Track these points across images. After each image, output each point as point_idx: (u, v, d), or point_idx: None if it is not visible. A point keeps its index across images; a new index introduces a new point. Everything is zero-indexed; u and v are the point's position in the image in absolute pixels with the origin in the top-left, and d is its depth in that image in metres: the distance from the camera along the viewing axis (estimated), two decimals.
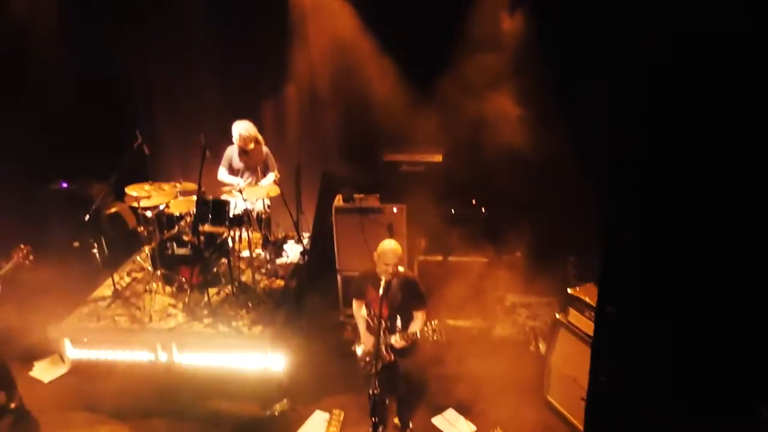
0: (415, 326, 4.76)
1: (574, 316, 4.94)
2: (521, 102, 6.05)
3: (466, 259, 6.38)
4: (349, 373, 5.64)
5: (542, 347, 6.00)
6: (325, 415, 5.36)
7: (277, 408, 5.49)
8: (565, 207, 5.85)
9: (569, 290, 5.00)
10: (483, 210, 6.44)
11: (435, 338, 4.54)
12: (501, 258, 6.45)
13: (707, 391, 2.43)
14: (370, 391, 4.31)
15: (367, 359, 4.82)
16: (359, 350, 5.01)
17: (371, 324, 4.86)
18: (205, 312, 6.01)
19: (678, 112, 2.09)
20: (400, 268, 4.83)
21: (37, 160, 7.27)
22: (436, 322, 4.57)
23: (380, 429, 4.63)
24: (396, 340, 4.68)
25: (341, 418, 5.30)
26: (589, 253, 5.94)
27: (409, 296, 4.82)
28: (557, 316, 5.16)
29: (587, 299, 4.78)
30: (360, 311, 5.05)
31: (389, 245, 4.74)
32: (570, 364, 5.00)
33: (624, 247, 2.31)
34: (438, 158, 6.31)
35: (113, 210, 6.64)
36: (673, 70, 1.99)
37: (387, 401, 5.18)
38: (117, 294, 6.38)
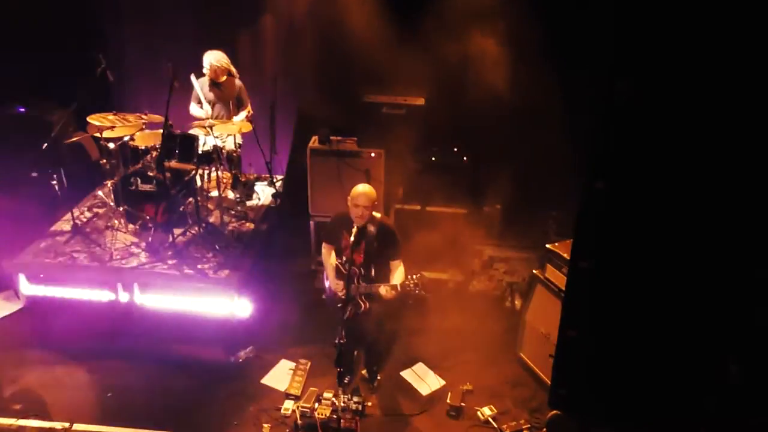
0: (398, 277, 4.79)
1: (552, 272, 5.00)
2: (509, 45, 5.94)
3: (444, 209, 6.39)
4: (319, 323, 5.71)
5: (518, 303, 6.08)
6: (291, 365, 5.42)
7: (242, 355, 5.54)
8: (550, 159, 5.83)
9: (548, 245, 5.03)
10: (464, 158, 6.41)
11: (417, 292, 4.58)
12: (480, 210, 6.47)
13: (677, 349, 2.48)
14: (336, 340, 4.35)
15: (339, 305, 4.85)
16: (326, 284, 5.06)
17: (342, 270, 4.88)
18: (170, 252, 5.97)
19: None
20: (377, 215, 4.82)
21: None
22: (418, 275, 4.60)
23: (346, 380, 4.71)
24: (386, 291, 4.69)
25: (307, 368, 5.36)
26: (572, 208, 5.96)
27: (385, 244, 4.84)
28: (534, 271, 5.23)
29: (566, 255, 4.81)
30: (329, 256, 5.06)
31: (362, 187, 4.76)
32: (544, 320, 5.09)
33: (599, 199, 2.31)
34: (420, 101, 6.25)
35: (74, 139, 6.48)
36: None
37: (355, 352, 5.25)
38: (76, 229, 6.30)
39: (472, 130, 6.30)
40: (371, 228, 4.79)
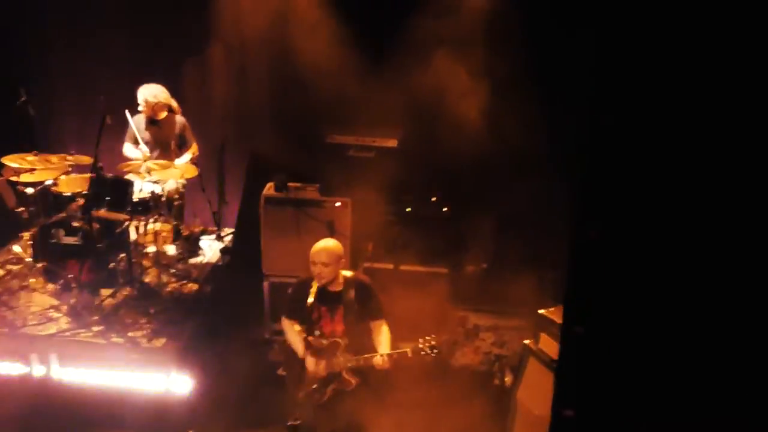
0: (385, 342, 4.77)
1: (546, 343, 4.93)
2: (491, 77, 6.06)
3: (421, 268, 6.36)
4: (272, 403, 5.57)
5: (508, 380, 6.00)
6: None
7: None
8: (543, 209, 5.87)
9: (541, 311, 4.99)
10: (444, 209, 6.43)
11: (433, 355, 4.60)
12: (463, 269, 6.45)
13: (691, 422, 2.44)
14: (290, 422, 4.24)
15: (314, 386, 4.74)
16: (308, 369, 4.94)
17: (316, 345, 4.78)
18: (96, 318, 5.88)
19: None
20: (347, 273, 4.80)
21: None
22: (431, 336, 4.60)
23: None
24: (383, 360, 4.63)
25: None
26: None
27: (365, 304, 4.84)
28: (526, 342, 5.16)
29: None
30: (292, 329, 5.00)
31: (324, 243, 4.79)
32: (539, 400, 4.97)
33: (592, 250, 2.29)
34: (392, 143, 6.32)
35: None
36: None
37: None
38: None
39: (453, 176, 6.34)
40: (348, 290, 4.78)
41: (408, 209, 6.41)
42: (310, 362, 4.87)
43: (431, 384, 5.91)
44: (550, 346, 4.88)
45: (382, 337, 4.81)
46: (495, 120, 5.97)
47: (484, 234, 6.24)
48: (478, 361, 6.35)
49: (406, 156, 6.25)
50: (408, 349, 4.66)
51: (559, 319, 4.81)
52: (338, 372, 4.78)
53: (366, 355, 4.73)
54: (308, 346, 4.90)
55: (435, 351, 4.63)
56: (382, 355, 4.67)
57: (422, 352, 4.63)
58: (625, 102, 2.18)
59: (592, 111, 2.18)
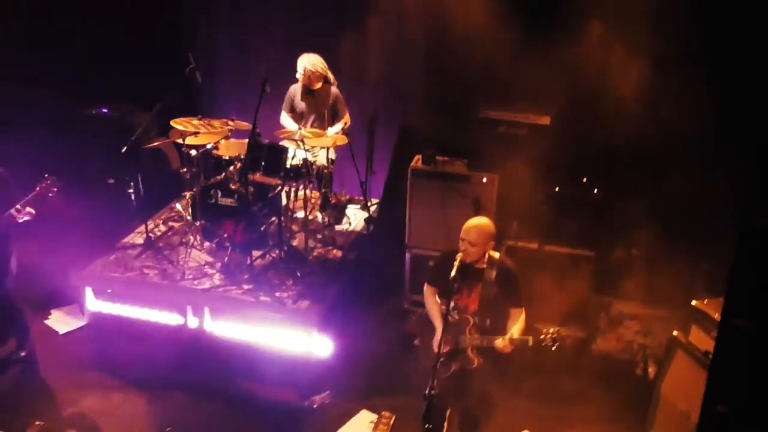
0: (516, 328, 4.72)
1: (697, 336, 4.75)
2: (658, 62, 5.74)
3: (566, 250, 6.24)
4: (408, 372, 5.63)
5: (651, 371, 5.79)
6: (372, 417, 5.40)
7: (317, 400, 5.57)
8: (702, 200, 5.56)
9: (694, 302, 4.79)
10: (595, 191, 6.23)
11: (554, 349, 4.53)
12: (611, 254, 6.24)
13: None
14: (427, 391, 4.27)
15: (441, 359, 4.78)
16: (434, 344, 4.96)
17: (451, 318, 4.80)
18: (246, 276, 6.13)
19: None
20: (495, 254, 4.78)
21: (76, 80, 7.59)
22: (555, 329, 4.55)
23: None
24: (505, 344, 4.62)
25: (391, 423, 5.32)
26: (728, 260, 5.64)
27: (506, 289, 4.78)
28: (675, 333, 4.99)
29: (716, 316, 4.55)
30: (433, 298, 5.02)
31: (476, 220, 4.73)
32: (685, 394, 4.82)
33: (763, 239, 2.15)
34: (545, 120, 6.16)
35: (155, 144, 6.83)
36: None
37: (448, 410, 5.15)
38: (149, 243, 6.62)
39: (606, 159, 6.12)
40: (490, 270, 4.73)
41: (557, 189, 6.26)
42: (438, 333, 4.87)
43: (570, 369, 5.80)
44: (701, 339, 4.70)
45: (515, 324, 4.75)
46: (655, 102, 5.68)
47: (636, 220, 5.98)
48: (620, 349, 6.17)
49: (559, 135, 6.07)
50: (530, 338, 4.58)
51: (713, 312, 4.61)
52: (464, 349, 4.78)
53: (489, 336, 4.70)
54: (442, 317, 4.92)
55: (556, 344, 4.52)
56: (503, 339, 4.62)
57: (543, 343, 4.54)
58: None
59: None
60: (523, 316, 4.79)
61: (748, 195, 2.36)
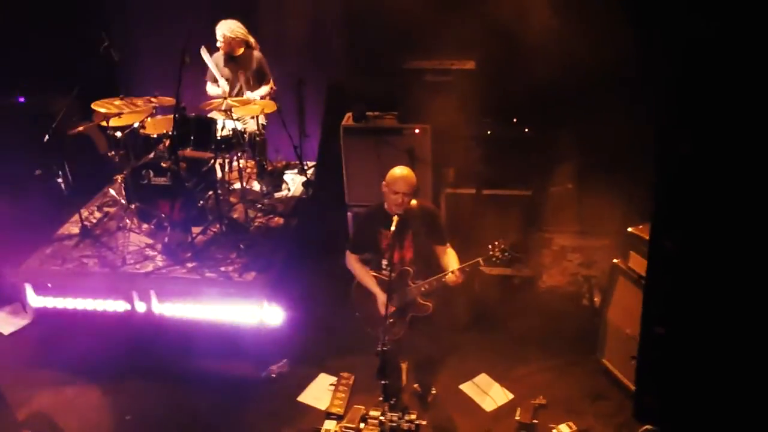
0: (455, 260, 4.79)
1: (636, 261, 4.87)
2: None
3: (504, 192, 6.27)
4: (361, 331, 5.68)
5: (597, 300, 5.94)
6: (332, 379, 5.43)
7: (274, 369, 5.57)
8: (628, 127, 5.65)
9: (630, 229, 4.90)
10: (526, 130, 6.28)
11: (509, 257, 4.59)
12: (548, 191, 6.32)
13: None
14: (378, 347, 4.30)
15: (391, 320, 4.80)
16: (380, 307, 4.97)
17: (385, 276, 4.82)
18: (188, 254, 6.07)
19: None
20: (413, 201, 4.80)
21: None
22: (499, 239, 4.60)
23: (392, 398, 4.65)
24: (455, 276, 4.65)
25: (350, 383, 5.36)
26: None
27: (431, 231, 4.86)
28: (615, 261, 5.11)
29: None
30: (358, 265, 5.06)
31: (401, 171, 4.76)
32: (629, 319, 4.94)
33: (682, 161, 2.19)
34: (470, 65, 6.13)
35: (78, 130, 6.61)
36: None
37: (402, 362, 5.23)
38: (86, 232, 6.47)
39: (534, 97, 6.14)
40: (413, 216, 4.78)
41: (489, 132, 6.28)
42: (381, 297, 4.89)
43: (519, 308, 5.91)
44: (639, 264, 4.82)
45: (450, 258, 4.83)
46: (575, 38, 5.70)
47: (568, 155, 6.07)
48: (565, 282, 6.30)
49: (485, 78, 6.07)
50: (480, 259, 4.64)
51: (648, 237, 4.70)
52: (412, 299, 4.83)
53: (437, 276, 4.75)
54: (378, 282, 4.96)
55: (506, 254, 4.59)
56: (452, 271, 4.68)
57: (494, 258, 4.62)
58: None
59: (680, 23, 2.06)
60: (451, 250, 4.89)
61: (665, 120, 2.40)
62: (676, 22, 2.24)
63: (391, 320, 4.73)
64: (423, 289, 4.79)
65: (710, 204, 2.31)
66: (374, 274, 4.99)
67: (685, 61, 2.23)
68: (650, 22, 4.61)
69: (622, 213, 5.86)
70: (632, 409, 3.89)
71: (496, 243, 4.62)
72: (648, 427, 4.10)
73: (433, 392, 5.22)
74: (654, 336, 2.70)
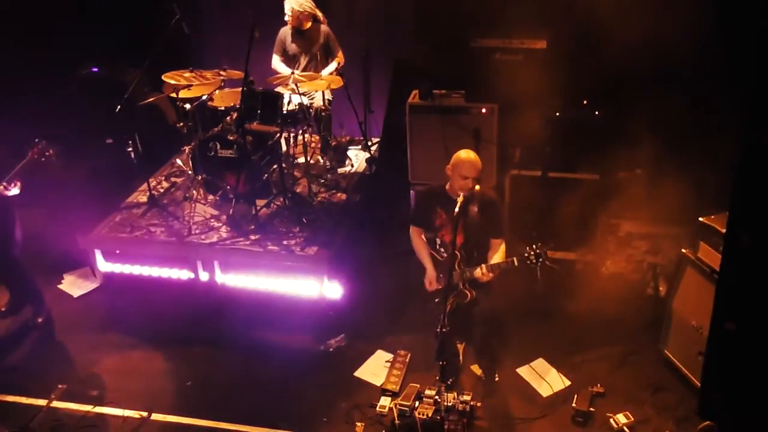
0: (498, 257, 4.79)
1: (706, 252, 4.75)
2: None
3: (571, 175, 6.18)
4: (419, 309, 5.69)
5: (662, 289, 5.82)
6: (389, 356, 5.45)
7: (333, 343, 5.63)
8: (706, 113, 5.48)
9: (701, 218, 4.77)
10: (596, 113, 6.14)
11: (540, 265, 4.56)
12: (616, 175, 6.18)
13: None
14: (438, 329, 4.32)
15: (436, 300, 4.82)
16: (426, 283, 5.01)
17: (439, 256, 4.83)
18: (252, 227, 6.15)
19: None
20: (477, 186, 4.77)
21: (62, 42, 7.46)
22: (539, 244, 4.57)
23: (449, 378, 4.67)
24: (483, 272, 4.67)
25: (407, 361, 5.37)
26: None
27: (488, 220, 4.84)
28: (684, 250, 5.01)
29: (724, 230, 4.53)
30: (418, 238, 5.08)
31: (467, 154, 4.74)
32: (696, 310, 4.87)
33: (765, 153, 2.10)
34: (541, 44, 6.03)
35: (149, 101, 6.76)
36: None
37: (460, 344, 5.23)
38: (153, 201, 6.61)
39: (605, 79, 5.99)
40: (473, 202, 4.78)
41: (557, 114, 6.17)
42: (431, 274, 4.96)
43: (582, 293, 5.83)
44: (709, 255, 4.71)
45: (497, 254, 4.82)
46: (652, 19, 5.53)
47: (638, 139, 5.90)
48: (630, 270, 6.17)
49: (556, 58, 5.95)
50: (514, 259, 4.64)
51: (721, 228, 4.58)
52: (455, 284, 4.83)
53: (471, 269, 4.76)
54: (432, 256, 4.99)
55: (540, 259, 4.56)
56: (481, 267, 4.68)
57: (528, 261, 4.59)
58: None
59: None
60: (503, 247, 4.87)
61: (750, 111, 2.31)
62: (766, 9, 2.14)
63: (436, 299, 4.75)
64: (465, 277, 4.80)
65: None
66: (429, 248, 5.01)
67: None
68: (737, 7, 4.47)
69: (692, 202, 5.70)
70: (695, 404, 3.82)
71: (534, 246, 4.59)
72: (709, 423, 4.02)
73: (497, 378, 5.20)
74: (724, 332, 2.63)
